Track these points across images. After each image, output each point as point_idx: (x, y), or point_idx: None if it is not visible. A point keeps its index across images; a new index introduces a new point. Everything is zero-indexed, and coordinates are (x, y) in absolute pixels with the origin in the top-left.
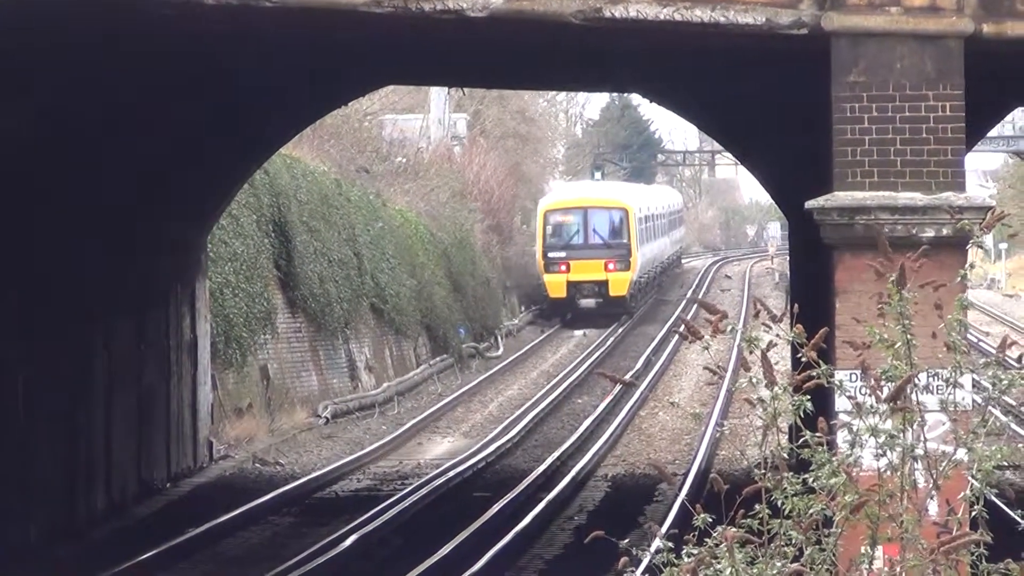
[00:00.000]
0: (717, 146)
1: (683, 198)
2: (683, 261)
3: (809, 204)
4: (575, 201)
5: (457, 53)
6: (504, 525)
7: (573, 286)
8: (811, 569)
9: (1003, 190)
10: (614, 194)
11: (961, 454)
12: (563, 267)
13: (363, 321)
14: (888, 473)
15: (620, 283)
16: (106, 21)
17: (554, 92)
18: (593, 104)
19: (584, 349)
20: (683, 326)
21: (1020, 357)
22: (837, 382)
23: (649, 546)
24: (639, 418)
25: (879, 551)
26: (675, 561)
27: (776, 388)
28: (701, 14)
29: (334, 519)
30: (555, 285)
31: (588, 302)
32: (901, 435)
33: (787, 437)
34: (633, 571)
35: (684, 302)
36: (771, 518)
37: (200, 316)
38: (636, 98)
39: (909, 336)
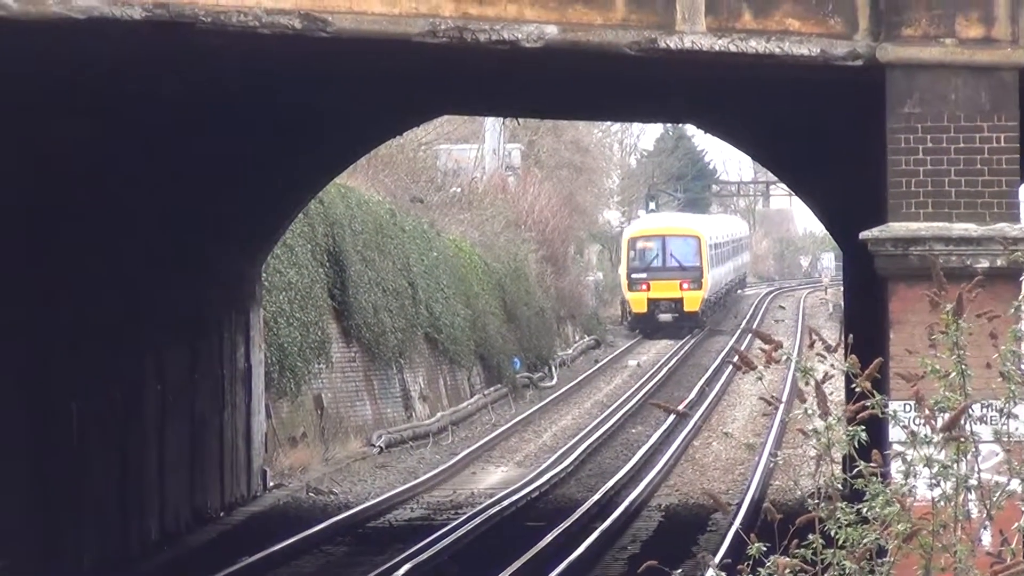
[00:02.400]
0: (771, 177)
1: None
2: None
3: (863, 235)
4: (655, 230)
5: (512, 83)
6: (557, 555)
7: (653, 303)
8: None
9: None
10: (689, 224)
11: (1015, 484)
12: (644, 286)
13: (417, 351)
14: (942, 503)
15: (693, 300)
16: (159, 50)
17: (608, 123)
18: (648, 134)
19: (638, 379)
20: (737, 356)
21: None
22: (891, 412)
23: None
24: (693, 448)
25: None
26: None
27: (830, 419)
28: (756, 45)
29: (387, 548)
30: (637, 302)
31: (666, 316)
32: (955, 465)
33: (841, 467)
34: None
35: (738, 332)
36: (824, 548)
37: (254, 345)
38: (691, 128)
39: (964, 366)
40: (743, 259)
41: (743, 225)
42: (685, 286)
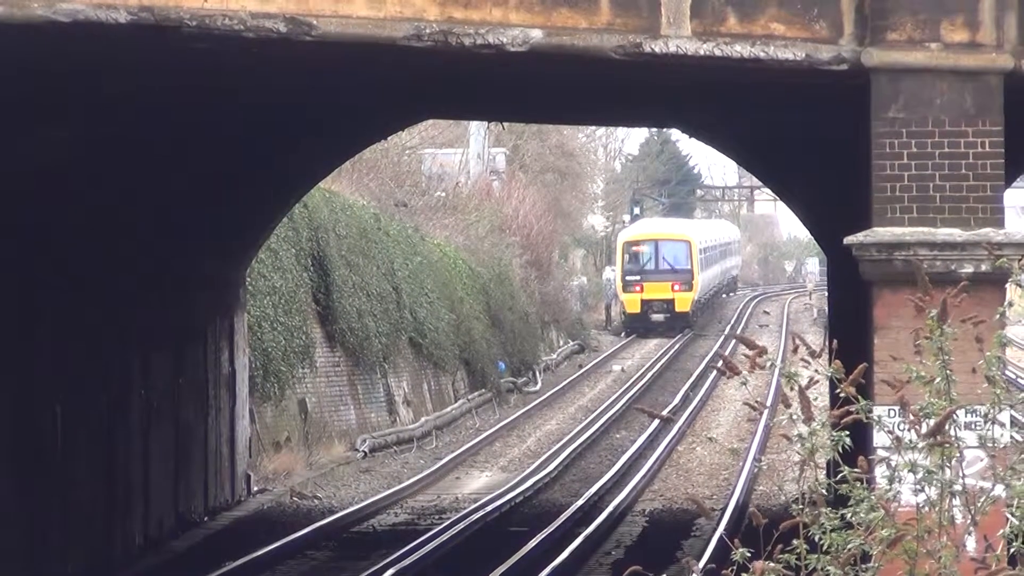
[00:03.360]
0: (756, 181)
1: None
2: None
3: (848, 240)
4: (648, 235)
5: (497, 87)
6: (541, 560)
7: (646, 303)
8: None
9: None
10: (680, 229)
11: (999, 490)
12: (638, 288)
13: (401, 355)
14: (926, 509)
15: (684, 301)
16: (140, 54)
17: (593, 127)
18: (632, 139)
19: (622, 384)
20: (721, 362)
21: None
22: (875, 418)
23: None
24: (677, 453)
25: None
26: None
27: (814, 424)
28: (741, 50)
29: (371, 553)
30: (631, 302)
31: (658, 316)
32: (939, 471)
33: (825, 472)
34: None
35: (722, 338)
36: (809, 553)
37: (238, 350)
38: (675, 133)
39: (948, 372)
40: (732, 262)
41: (734, 230)
42: (676, 287)
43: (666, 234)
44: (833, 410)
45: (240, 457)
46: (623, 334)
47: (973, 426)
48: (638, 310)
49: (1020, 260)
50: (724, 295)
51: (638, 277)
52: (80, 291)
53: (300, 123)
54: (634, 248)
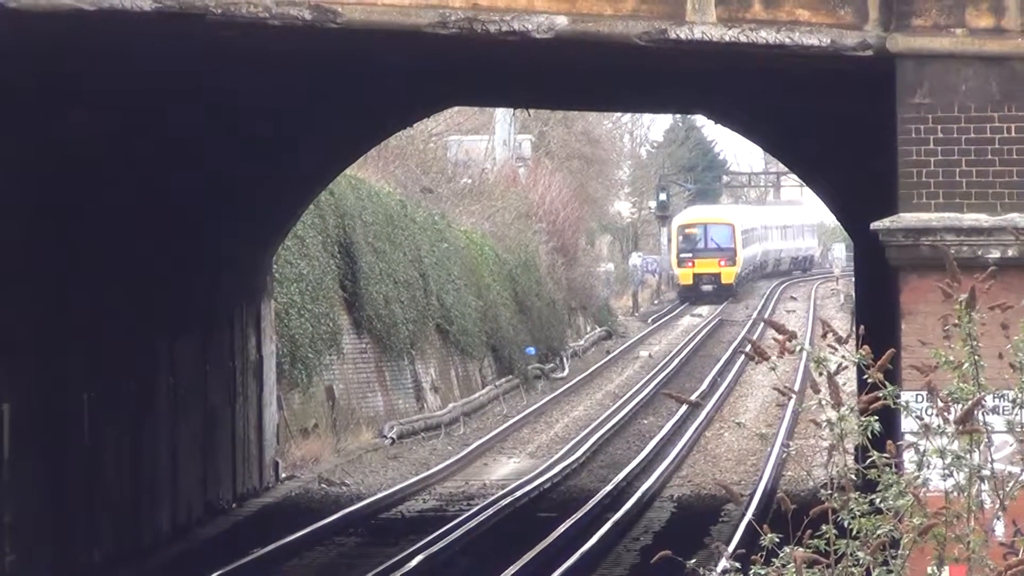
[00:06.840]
0: (782, 167)
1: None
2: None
3: (874, 225)
4: (698, 219)
5: (522, 74)
6: (570, 546)
7: (696, 276)
8: None
9: None
10: (725, 214)
11: None
12: (690, 264)
13: (429, 342)
14: (955, 494)
15: (728, 275)
16: (168, 42)
17: (619, 114)
18: (658, 125)
19: (650, 370)
20: (750, 346)
21: None
22: (903, 403)
23: (716, 566)
24: (705, 439)
25: (946, 572)
26: None
27: (843, 409)
28: (766, 36)
29: (400, 540)
30: (684, 276)
31: (707, 287)
32: (968, 456)
33: (853, 458)
34: None
35: (750, 323)
36: (838, 539)
37: (266, 337)
38: (701, 119)
39: (976, 357)
40: (800, 243)
41: (802, 213)
42: (722, 263)
43: (713, 218)
44: (861, 396)
45: (268, 444)
46: (650, 319)
47: (1001, 411)
48: (690, 283)
49: None
50: (798, 271)
51: (690, 254)
52: (108, 280)
53: (326, 110)
54: (687, 230)
